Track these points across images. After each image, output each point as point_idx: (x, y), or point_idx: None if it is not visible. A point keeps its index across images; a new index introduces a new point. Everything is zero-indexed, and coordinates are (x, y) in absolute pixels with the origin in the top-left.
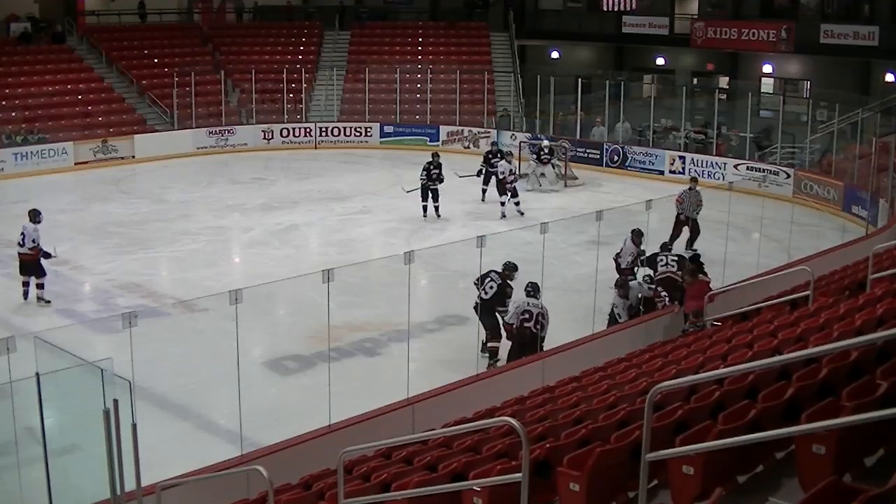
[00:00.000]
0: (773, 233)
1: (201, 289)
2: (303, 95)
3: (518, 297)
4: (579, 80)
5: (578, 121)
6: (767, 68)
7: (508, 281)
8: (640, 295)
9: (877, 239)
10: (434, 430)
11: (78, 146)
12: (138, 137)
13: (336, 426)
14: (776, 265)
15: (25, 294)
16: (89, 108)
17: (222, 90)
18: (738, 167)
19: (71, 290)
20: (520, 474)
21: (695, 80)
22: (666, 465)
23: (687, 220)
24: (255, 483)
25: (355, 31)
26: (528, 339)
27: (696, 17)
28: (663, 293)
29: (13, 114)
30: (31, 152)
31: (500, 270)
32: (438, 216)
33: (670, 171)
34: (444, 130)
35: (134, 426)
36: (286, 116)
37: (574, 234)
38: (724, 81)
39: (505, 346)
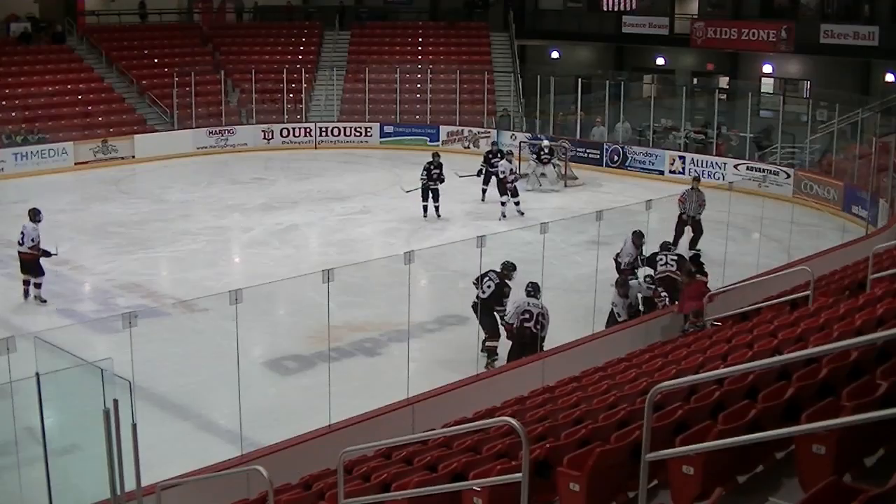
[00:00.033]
0: (773, 233)
1: (201, 289)
2: (303, 95)
3: (518, 297)
4: (579, 80)
5: (578, 121)
6: (767, 68)
7: (507, 280)
8: (639, 294)
9: (877, 239)
10: (434, 430)
11: (78, 146)
12: (138, 137)
13: (336, 426)
14: (776, 265)
15: (26, 293)
16: (89, 108)
17: (222, 90)
18: (738, 167)
19: (71, 290)
20: (520, 474)
21: (695, 80)
22: (666, 465)
23: (689, 220)
24: (255, 483)
25: (355, 31)
26: (528, 339)
27: (696, 17)
28: (663, 293)
29: (13, 114)
30: (31, 152)
31: (498, 270)
32: (439, 216)
33: (670, 171)
34: (444, 130)
35: (134, 426)
36: (286, 116)
37: (574, 234)
38: (724, 81)
39: (505, 345)
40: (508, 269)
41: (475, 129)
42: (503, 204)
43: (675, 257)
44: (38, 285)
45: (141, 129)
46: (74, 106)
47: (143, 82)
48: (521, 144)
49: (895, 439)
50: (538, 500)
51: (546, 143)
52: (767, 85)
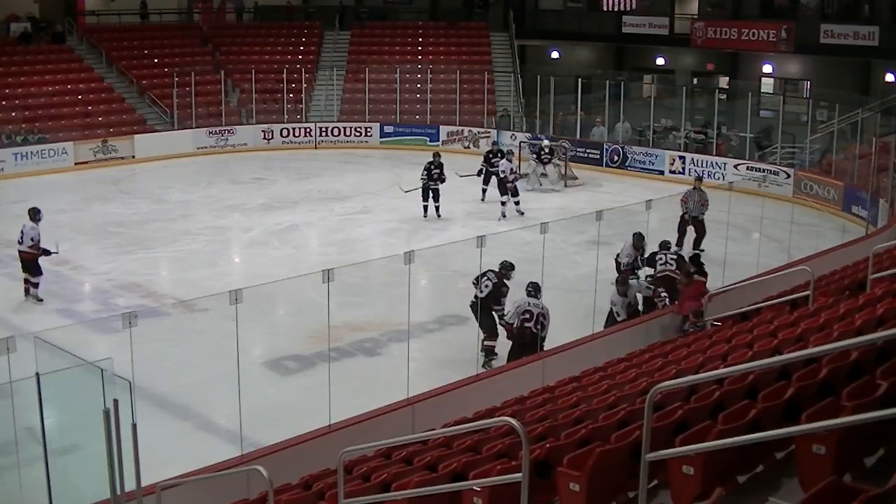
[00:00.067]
0: (773, 233)
1: (201, 289)
2: (303, 95)
3: (519, 296)
4: (579, 80)
5: (578, 121)
6: (767, 68)
7: (505, 280)
8: (638, 294)
9: (877, 239)
10: (434, 430)
11: (78, 146)
12: (138, 137)
13: (336, 426)
14: (776, 265)
15: (27, 291)
16: (89, 108)
17: (222, 90)
18: (738, 167)
19: (71, 290)
20: (520, 474)
21: (695, 80)
22: (666, 465)
23: (692, 220)
24: (255, 483)
25: (355, 31)
26: (528, 339)
27: (696, 17)
28: (663, 293)
29: (13, 114)
30: (31, 152)
31: (496, 269)
32: (439, 216)
33: (670, 171)
34: (444, 130)
35: (134, 426)
36: (286, 116)
37: (574, 234)
38: (724, 81)
39: (505, 345)
40: (507, 268)
41: (475, 129)
42: (503, 204)
43: (675, 256)
44: (35, 285)
45: (141, 129)
46: (74, 106)
47: (143, 82)
48: (521, 144)
49: (895, 439)
50: (538, 500)
51: (546, 142)
52: (767, 85)
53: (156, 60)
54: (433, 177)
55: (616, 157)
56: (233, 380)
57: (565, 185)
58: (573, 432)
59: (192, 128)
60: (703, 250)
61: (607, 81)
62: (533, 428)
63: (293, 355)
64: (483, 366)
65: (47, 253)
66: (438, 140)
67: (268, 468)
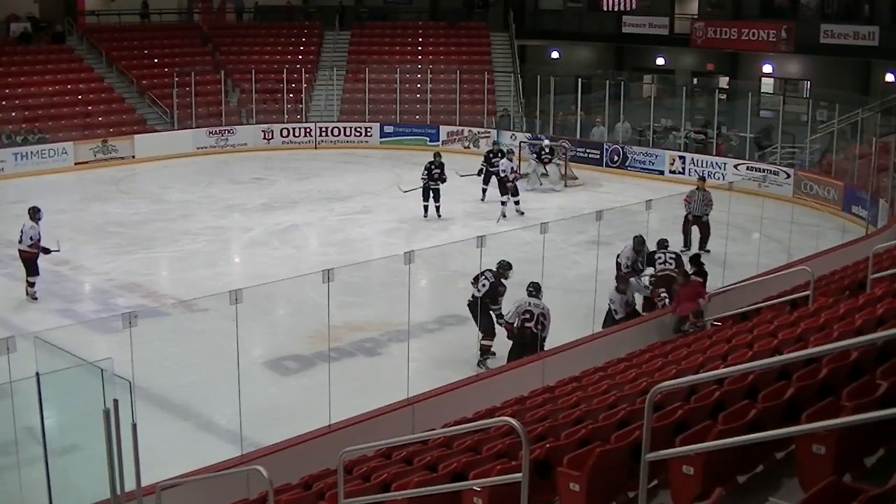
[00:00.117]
0: (773, 233)
1: (201, 289)
2: (303, 95)
3: (519, 296)
4: (579, 80)
5: (578, 121)
6: (767, 68)
7: (502, 279)
8: (636, 294)
9: (877, 239)
10: (434, 430)
11: (78, 146)
12: (138, 137)
13: (336, 426)
14: (776, 265)
15: (33, 295)
16: (89, 108)
17: (222, 90)
18: (738, 167)
19: (71, 290)
20: (520, 474)
21: (695, 80)
22: (666, 465)
23: (695, 221)
24: (255, 483)
25: (355, 31)
26: (528, 339)
27: (696, 17)
28: (663, 293)
29: (13, 114)
30: (31, 152)
31: (494, 269)
32: (439, 216)
33: (670, 171)
34: (444, 130)
35: (134, 426)
36: (286, 116)
37: (574, 234)
38: (724, 81)
39: (505, 345)
40: (504, 268)
41: (475, 129)
42: (503, 203)
43: (674, 255)
44: (31, 284)
45: (141, 129)
46: (74, 106)
47: (143, 82)
48: (522, 144)
49: (895, 439)
50: (538, 500)
51: (547, 142)
52: (767, 85)
53: (156, 60)
54: (433, 177)
55: (616, 157)
56: (233, 380)
57: (565, 185)
58: (573, 432)
59: (192, 128)
60: (708, 251)
61: (607, 81)
62: (533, 428)
63: (293, 355)
64: (478, 364)
65: (47, 251)
66: (438, 140)
67: (268, 468)
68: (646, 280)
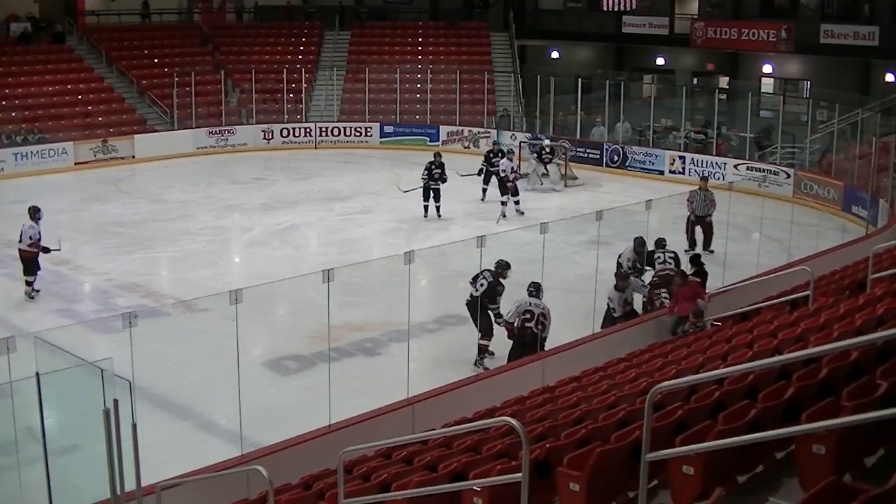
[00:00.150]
0: (773, 233)
1: (201, 289)
2: (303, 95)
3: (520, 296)
4: (579, 80)
5: (578, 121)
6: (767, 68)
7: (500, 279)
8: (634, 293)
9: (877, 239)
10: (434, 430)
11: (78, 146)
12: (138, 137)
13: (336, 426)
14: (776, 265)
15: (29, 294)
16: (89, 108)
17: (222, 90)
18: (738, 167)
19: (71, 290)
20: (520, 474)
21: (695, 80)
22: (666, 465)
23: (698, 221)
24: (255, 483)
25: (355, 31)
26: (528, 339)
27: (696, 17)
28: (663, 293)
29: (13, 114)
30: (31, 152)
31: (492, 269)
32: (439, 216)
33: (670, 171)
34: (444, 130)
35: (134, 426)
36: (286, 116)
37: (574, 234)
38: (724, 81)
39: (506, 345)
40: (503, 267)
41: (475, 129)
42: (503, 203)
43: (672, 254)
44: (28, 283)
45: (141, 129)
46: (74, 106)
47: (143, 82)
48: (522, 144)
49: (895, 439)
50: (538, 500)
51: (547, 142)
52: (767, 85)
53: (156, 60)
54: (434, 177)
55: (616, 157)
56: (233, 380)
57: (565, 185)
58: (573, 432)
59: (192, 128)
60: (712, 251)
61: (607, 81)
62: (533, 428)
63: (293, 355)
64: (475, 364)
65: (47, 250)
66: (438, 140)
67: (268, 468)
68: (647, 278)
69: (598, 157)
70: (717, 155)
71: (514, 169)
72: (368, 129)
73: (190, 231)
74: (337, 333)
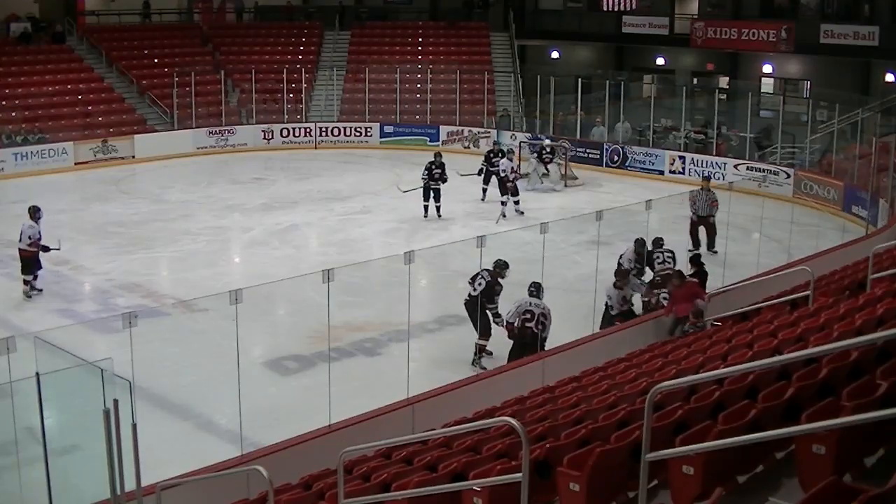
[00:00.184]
0: (773, 233)
1: (201, 289)
2: (303, 95)
3: (520, 296)
4: (579, 80)
5: (578, 121)
6: (767, 68)
7: (498, 279)
8: (633, 291)
9: (877, 239)
10: (434, 430)
11: (78, 146)
12: (138, 137)
13: (336, 426)
14: (776, 265)
15: (26, 293)
16: (89, 108)
17: (222, 90)
18: (738, 167)
19: (71, 290)
20: (520, 474)
21: (695, 80)
22: (666, 465)
23: (701, 221)
24: (255, 483)
25: (355, 31)
26: (529, 339)
27: (696, 17)
28: (663, 293)
29: (13, 114)
30: (31, 152)
31: (491, 268)
32: (439, 216)
33: (670, 171)
34: (444, 130)
35: (134, 426)
36: (286, 116)
37: (574, 234)
38: (724, 81)
39: (505, 345)
40: (501, 267)
41: (475, 129)
42: (503, 204)
43: (671, 253)
44: (26, 282)
45: (141, 129)
46: (74, 106)
47: (143, 82)
48: (521, 144)
49: (895, 439)
50: (538, 500)
51: (548, 142)
52: (767, 85)
53: (156, 60)
54: (434, 177)
55: (616, 157)
56: (233, 380)
57: (565, 185)
58: (573, 432)
59: (192, 128)
60: (715, 252)
61: (607, 81)
62: (533, 428)
63: (293, 355)
64: (472, 364)
65: (47, 249)
66: (438, 140)
67: (268, 468)
68: (647, 279)
69: (598, 157)
70: (717, 155)
71: (514, 169)
72: (368, 129)
73: (190, 231)
74: (337, 333)
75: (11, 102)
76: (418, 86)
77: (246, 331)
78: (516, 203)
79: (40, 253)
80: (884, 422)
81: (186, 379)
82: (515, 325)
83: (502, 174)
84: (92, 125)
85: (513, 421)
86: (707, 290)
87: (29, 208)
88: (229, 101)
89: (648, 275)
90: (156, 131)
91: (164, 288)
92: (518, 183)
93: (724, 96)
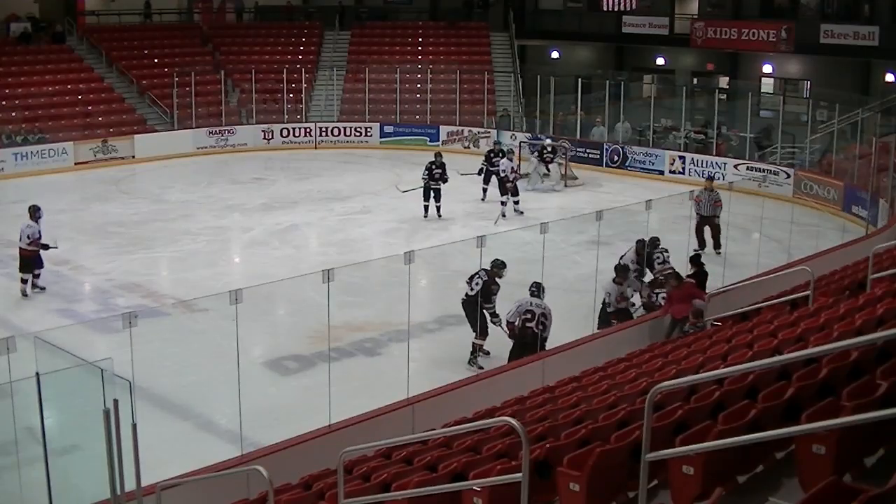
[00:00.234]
0: (773, 233)
1: (201, 289)
2: (303, 95)
3: (521, 296)
4: (579, 80)
5: (578, 121)
6: (767, 68)
7: (496, 278)
8: (631, 289)
9: (877, 239)
10: (434, 430)
11: (78, 146)
12: (138, 137)
13: (336, 426)
14: (776, 265)
15: (23, 291)
16: (89, 108)
17: (222, 90)
18: (738, 167)
19: (71, 290)
20: (520, 474)
21: (695, 80)
22: (666, 465)
23: (705, 222)
24: (255, 483)
25: (355, 31)
26: (529, 339)
27: (696, 17)
28: (662, 294)
29: (13, 114)
30: (31, 152)
31: (488, 268)
32: (440, 216)
33: (670, 171)
34: (444, 130)
35: (134, 426)
36: (286, 116)
37: (574, 234)
38: (724, 81)
39: (505, 345)
40: (498, 266)
41: (475, 129)
42: (503, 204)
43: (667, 252)
44: (24, 281)
45: (141, 129)
46: (74, 106)
47: (143, 82)
48: (521, 144)
49: (895, 439)
50: (538, 500)
51: (549, 141)
52: (767, 85)
53: (156, 60)
54: (434, 177)
55: (616, 157)
56: (233, 380)
57: (565, 185)
58: (573, 432)
59: (192, 128)
60: (718, 252)
61: (607, 81)
62: (533, 428)
63: (293, 355)
64: (469, 363)
65: (46, 247)
66: (438, 140)
67: (268, 468)
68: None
69: (598, 157)
70: (717, 155)
71: (514, 169)
72: (368, 129)
73: (190, 231)
74: (337, 333)
75: (11, 102)
76: (418, 86)
77: (246, 331)
78: (516, 203)
79: (41, 252)
80: (884, 422)
81: (186, 379)
82: (516, 324)
83: (502, 174)
84: (92, 125)
85: (513, 421)
86: (707, 290)
87: (29, 208)
88: (229, 101)
89: (649, 276)
90: (156, 131)
91: (164, 288)
92: (518, 183)
93: (724, 96)
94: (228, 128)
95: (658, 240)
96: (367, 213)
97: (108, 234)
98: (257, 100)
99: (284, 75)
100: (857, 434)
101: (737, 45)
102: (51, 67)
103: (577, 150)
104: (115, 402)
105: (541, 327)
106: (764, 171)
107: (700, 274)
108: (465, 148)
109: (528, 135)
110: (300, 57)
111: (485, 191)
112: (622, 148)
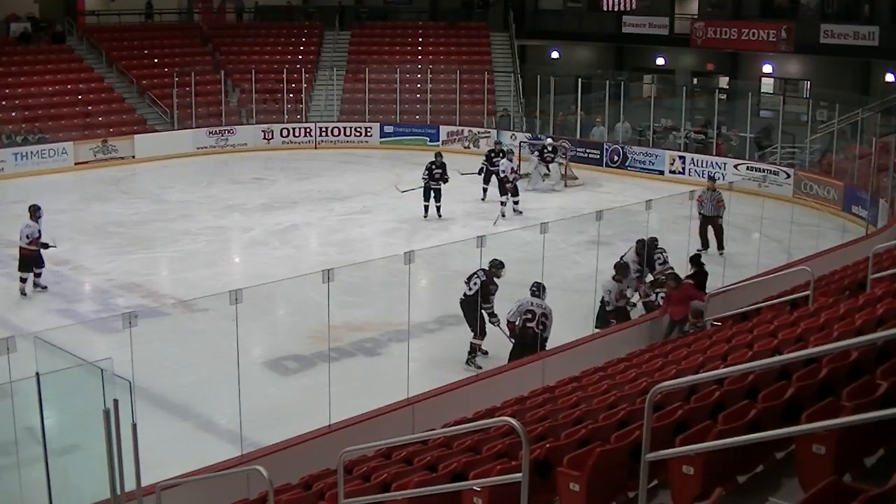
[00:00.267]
0: (773, 233)
1: (201, 289)
2: (303, 95)
3: (521, 296)
4: (579, 80)
5: (578, 121)
6: (767, 68)
7: (494, 278)
8: (629, 288)
9: (877, 239)
10: (434, 430)
11: (78, 146)
12: (138, 137)
13: (336, 426)
14: (776, 265)
15: (22, 290)
16: (89, 108)
17: (222, 90)
18: (738, 167)
19: (71, 290)
20: (520, 474)
21: (695, 80)
22: (666, 465)
23: (708, 221)
24: (255, 483)
25: (355, 31)
26: (529, 339)
27: (696, 17)
28: (661, 294)
29: (13, 114)
30: (31, 152)
31: (486, 268)
32: (440, 216)
33: (670, 171)
34: (444, 130)
35: (134, 426)
36: (286, 116)
37: (574, 234)
38: (724, 81)
39: (504, 345)
40: (497, 266)
41: (475, 129)
42: (503, 204)
43: (667, 253)
44: (38, 275)
45: (141, 129)
46: (74, 106)
47: (143, 82)
48: (521, 144)
49: (895, 439)
50: (538, 500)
51: (549, 141)
52: (767, 85)
53: (156, 60)
54: (434, 177)
55: (616, 157)
56: (233, 380)
57: (565, 185)
58: (573, 432)
59: (192, 128)
60: (722, 253)
61: (607, 81)
62: (533, 428)
63: (293, 355)
64: (467, 363)
65: (45, 246)
66: (438, 140)
67: (268, 468)
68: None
69: (598, 157)
70: (717, 155)
71: (514, 169)
72: (368, 129)
73: (190, 231)
74: (337, 333)
75: (11, 102)
76: (418, 86)
77: (246, 331)
78: (515, 203)
79: (41, 250)
80: (884, 422)
81: (186, 379)
82: (517, 324)
83: (502, 174)
84: (92, 125)
85: (513, 421)
86: (707, 290)
87: (29, 207)
88: (229, 101)
89: (649, 276)
90: (156, 131)
91: (164, 288)
92: (518, 183)
93: (724, 96)
94: (228, 128)
95: (656, 240)
96: (367, 213)
97: (108, 234)
98: (257, 100)
99: (284, 75)
100: (857, 434)
101: (737, 45)
102: (51, 67)
103: (577, 150)
104: (115, 402)
105: (541, 327)
106: (764, 171)
107: (700, 274)
108: (465, 148)
109: (528, 135)
110: (300, 57)
111: (485, 191)
112: (622, 148)
